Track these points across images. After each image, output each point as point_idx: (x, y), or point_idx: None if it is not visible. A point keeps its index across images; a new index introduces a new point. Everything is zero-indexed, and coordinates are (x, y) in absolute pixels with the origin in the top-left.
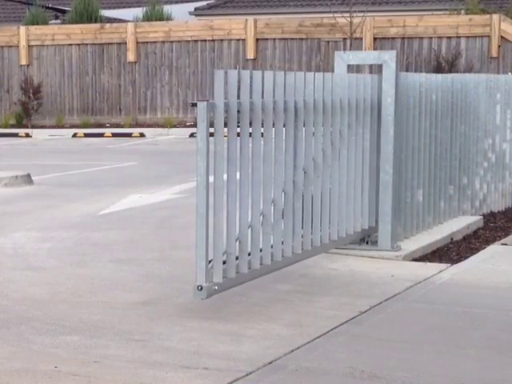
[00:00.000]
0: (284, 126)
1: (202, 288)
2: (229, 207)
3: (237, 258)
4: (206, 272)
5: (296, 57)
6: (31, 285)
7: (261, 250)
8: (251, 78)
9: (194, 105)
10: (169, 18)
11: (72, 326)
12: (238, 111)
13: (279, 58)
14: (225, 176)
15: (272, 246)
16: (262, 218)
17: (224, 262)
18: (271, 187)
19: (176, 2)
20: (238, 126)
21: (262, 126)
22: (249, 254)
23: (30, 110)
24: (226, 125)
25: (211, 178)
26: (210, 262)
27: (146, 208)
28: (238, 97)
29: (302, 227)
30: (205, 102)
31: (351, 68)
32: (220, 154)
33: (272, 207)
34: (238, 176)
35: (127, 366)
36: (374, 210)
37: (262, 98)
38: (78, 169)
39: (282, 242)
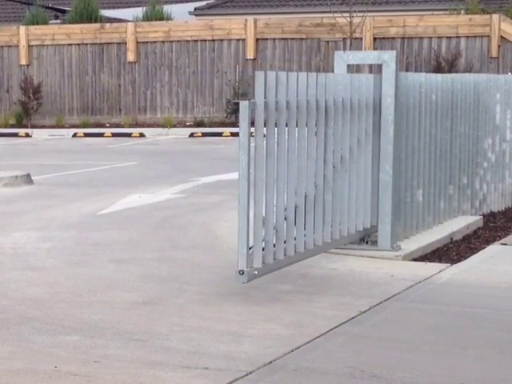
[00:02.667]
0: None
1: (243, 272)
2: (267, 198)
3: (274, 246)
4: (247, 258)
5: (296, 57)
6: (31, 285)
7: (295, 239)
8: (287, 78)
9: (237, 104)
10: (169, 18)
11: (72, 326)
12: (276, 109)
13: (279, 58)
14: (264, 169)
15: (305, 235)
16: (295, 208)
17: (263, 249)
18: (304, 180)
19: (176, 2)
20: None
21: (296, 125)
22: (284, 242)
23: (29, 109)
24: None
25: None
26: (250, 248)
27: (145, 208)
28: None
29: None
30: (247, 101)
31: (351, 68)
32: (260, 149)
33: (304, 199)
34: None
35: (127, 366)
36: (376, 209)
37: (297, 97)
38: (78, 169)
39: (314, 232)
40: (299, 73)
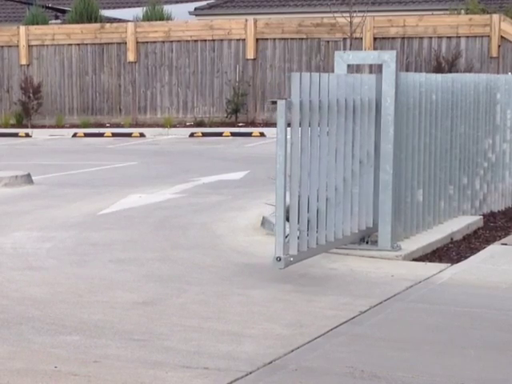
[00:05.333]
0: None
1: (280, 259)
2: (301, 190)
3: (307, 235)
4: (284, 246)
5: (296, 57)
6: (31, 285)
7: (325, 229)
8: (320, 79)
9: (274, 103)
10: (169, 18)
11: (72, 326)
12: (309, 108)
13: (279, 58)
14: (299, 164)
15: (334, 225)
16: (326, 200)
17: (297, 238)
18: (334, 174)
19: (176, 2)
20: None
21: (327, 122)
22: (316, 232)
23: (30, 109)
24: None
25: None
26: (286, 237)
27: (145, 208)
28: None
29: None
30: (284, 100)
31: (351, 68)
32: (295, 146)
33: (335, 192)
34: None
35: (127, 366)
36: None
37: (328, 96)
38: (78, 169)
39: (343, 222)
40: (330, 74)
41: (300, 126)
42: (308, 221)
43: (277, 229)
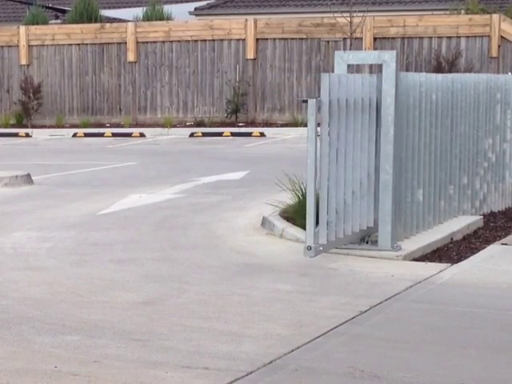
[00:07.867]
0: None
1: (310, 248)
2: (329, 184)
3: (335, 226)
4: (314, 235)
5: (296, 57)
6: (31, 285)
7: (351, 220)
8: (347, 79)
9: (305, 101)
10: (169, 18)
11: (72, 326)
12: (337, 106)
13: (279, 58)
14: (327, 159)
15: (359, 217)
16: (352, 193)
17: (326, 228)
18: (359, 169)
19: (176, 2)
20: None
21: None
22: (343, 223)
23: (30, 109)
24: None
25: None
26: (316, 226)
27: (145, 208)
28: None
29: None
30: (314, 99)
31: (351, 68)
32: (325, 142)
33: (359, 185)
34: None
35: (127, 366)
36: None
37: (354, 95)
38: (78, 168)
39: (367, 214)
40: (355, 74)
41: (329, 124)
42: (336, 212)
43: (308, 219)
